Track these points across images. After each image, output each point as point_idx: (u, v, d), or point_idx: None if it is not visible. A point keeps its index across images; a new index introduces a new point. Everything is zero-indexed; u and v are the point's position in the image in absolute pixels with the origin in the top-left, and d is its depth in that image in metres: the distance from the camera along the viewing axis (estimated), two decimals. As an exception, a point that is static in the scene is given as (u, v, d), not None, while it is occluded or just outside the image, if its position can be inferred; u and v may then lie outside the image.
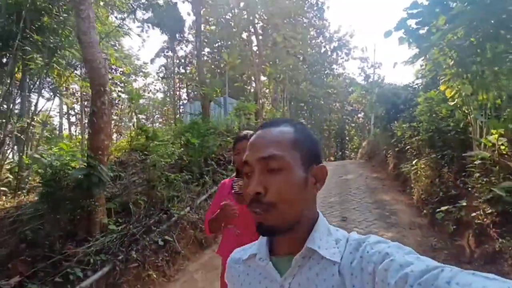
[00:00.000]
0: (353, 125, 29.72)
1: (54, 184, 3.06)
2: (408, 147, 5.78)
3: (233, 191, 1.53)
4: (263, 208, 0.50)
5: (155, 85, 17.41)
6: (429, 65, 5.01)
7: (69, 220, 3.18)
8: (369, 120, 18.56)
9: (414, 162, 5.14)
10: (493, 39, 3.76)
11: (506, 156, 3.15)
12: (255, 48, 9.15)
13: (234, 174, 1.71)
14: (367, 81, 27.51)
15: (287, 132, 0.54)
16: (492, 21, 3.75)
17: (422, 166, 4.82)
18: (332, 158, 23.95)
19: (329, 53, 24.99)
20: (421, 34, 4.21)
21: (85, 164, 3.30)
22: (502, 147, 3.11)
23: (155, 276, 3.14)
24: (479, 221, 2.99)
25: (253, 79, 12.54)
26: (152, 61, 14.71)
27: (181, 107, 14.70)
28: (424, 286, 0.36)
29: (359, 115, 28.63)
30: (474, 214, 3.07)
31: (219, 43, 12.84)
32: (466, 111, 3.88)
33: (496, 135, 3.03)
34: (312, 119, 23.18)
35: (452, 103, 3.98)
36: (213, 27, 11.72)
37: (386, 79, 24.08)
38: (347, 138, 29.89)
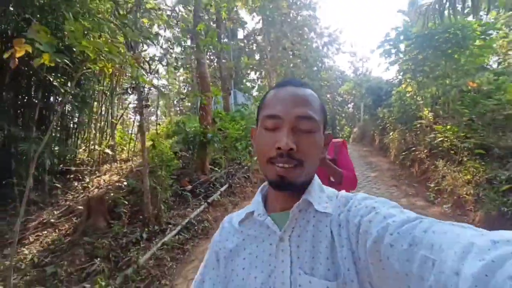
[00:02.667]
0: (343, 115, 32.88)
1: (192, 141, 5.73)
2: (388, 125, 8.74)
3: None
4: (292, 164, 0.54)
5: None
6: (400, 70, 7.98)
7: (199, 162, 5.89)
8: (358, 109, 21.67)
9: (391, 134, 8.11)
10: (433, 57, 6.70)
11: (434, 122, 6.09)
12: (268, 51, 11.83)
13: None
14: (356, 73, 30.84)
15: (315, 96, 0.59)
16: (431, 47, 6.68)
17: (396, 135, 7.77)
18: (325, 145, 26.97)
19: (321, 47, 27.88)
20: (392, 52, 7.15)
21: (203, 132, 5.98)
22: (431, 118, 6.06)
23: (246, 190, 5.91)
24: (419, 156, 5.93)
25: (262, 75, 15.21)
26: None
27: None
28: (402, 235, 0.40)
29: (349, 105, 31.86)
30: (418, 153, 6.01)
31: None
32: (417, 99, 6.83)
33: (427, 111, 5.96)
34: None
35: (409, 95, 6.92)
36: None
37: (373, 72, 27.38)
38: (337, 127, 33.05)
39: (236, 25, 11.93)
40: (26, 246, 3.69)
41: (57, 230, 4.20)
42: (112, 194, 4.72)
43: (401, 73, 7.76)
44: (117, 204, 4.41)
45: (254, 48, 10.98)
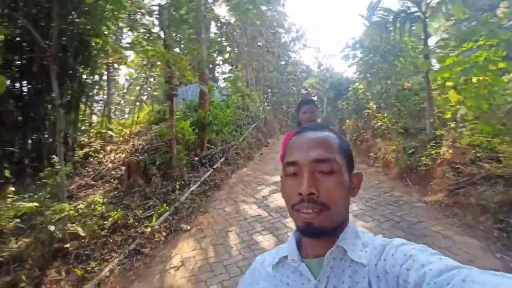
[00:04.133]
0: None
1: (195, 123, 7.29)
2: (345, 114, 11.03)
3: None
4: (316, 209, 0.53)
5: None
6: (357, 70, 10.23)
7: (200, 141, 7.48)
8: (321, 102, 24.35)
9: (347, 121, 10.37)
10: (379, 63, 8.97)
11: (377, 112, 8.36)
12: (245, 48, 13.44)
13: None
14: (319, 68, 33.63)
15: (333, 137, 0.59)
16: (379, 53, 8.93)
17: (351, 123, 10.02)
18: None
19: (288, 42, 30.07)
20: (350, 57, 9.32)
21: (203, 117, 7.55)
22: (375, 109, 8.34)
23: (238, 162, 7.65)
24: (366, 137, 8.16)
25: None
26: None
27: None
28: (440, 285, 0.39)
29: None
30: (365, 135, 8.25)
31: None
32: (367, 94, 9.11)
33: (372, 104, 8.22)
34: (276, 102, 28.15)
35: (361, 91, 9.16)
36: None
37: (335, 68, 30.30)
38: (302, 119, 35.71)
39: (209, 20, 13.21)
40: (81, 200, 5.05)
41: (101, 188, 5.57)
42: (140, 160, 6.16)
43: (357, 73, 10.01)
44: (147, 168, 5.88)
45: (226, 42, 12.38)
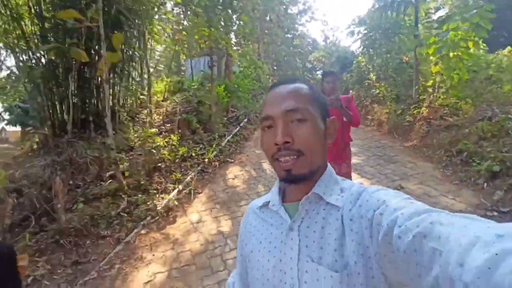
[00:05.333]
0: (312, 81, 36.66)
1: (224, 89, 8.88)
2: (349, 85, 12.53)
3: None
4: (292, 155, 0.59)
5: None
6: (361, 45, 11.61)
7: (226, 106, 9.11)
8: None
9: (350, 91, 11.92)
10: (382, 38, 10.34)
11: (376, 82, 9.89)
12: (257, 23, 14.60)
13: None
14: (326, 42, 34.30)
15: (303, 88, 0.64)
16: (380, 30, 10.28)
17: (354, 92, 11.56)
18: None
19: (295, 15, 30.59)
20: (355, 33, 10.67)
21: (228, 84, 9.10)
22: (374, 79, 9.85)
23: (258, 123, 9.34)
24: (366, 104, 9.76)
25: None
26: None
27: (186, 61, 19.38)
28: (410, 226, 0.42)
29: (318, 72, 35.72)
30: (365, 102, 9.84)
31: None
32: (368, 67, 10.59)
33: (372, 75, 9.73)
34: (282, 75, 29.27)
35: (363, 64, 10.63)
36: None
37: (342, 42, 31.04)
38: (307, 93, 36.74)
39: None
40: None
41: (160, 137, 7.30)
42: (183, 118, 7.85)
43: (360, 48, 11.40)
44: (190, 124, 7.57)
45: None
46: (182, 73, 18.70)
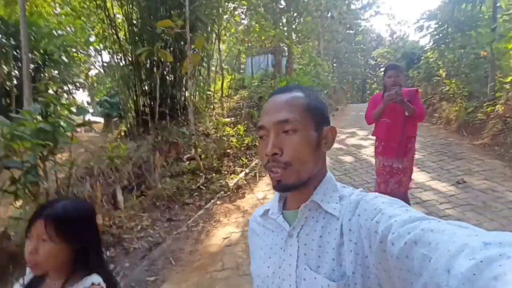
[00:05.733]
0: (375, 79, 34.96)
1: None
2: (415, 82, 11.98)
3: (385, 96, 2.67)
4: (280, 167, 0.60)
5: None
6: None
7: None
8: (391, 73, 24.23)
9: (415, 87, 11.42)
10: (458, 31, 9.74)
11: (445, 78, 9.37)
12: (318, 20, 14.78)
13: (383, 91, 2.88)
14: (392, 37, 32.38)
15: (298, 97, 0.64)
16: (453, 24, 9.67)
17: (420, 90, 11.05)
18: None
19: (358, 9, 29.50)
20: (424, 27, 10.24)
21: (289, 80, 9.60)
22: (444, 75, 9.34)
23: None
24: (433, 101, 9.33)
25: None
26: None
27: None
28: (402, 233, 0.43)
29: (382, 69, 33.85)
30: (432, 99, 9.41)
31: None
32: (438, 63, 10.06)
33: (442, 71, 9.24)
34: (342, 72, 28.64)
35: (432, 59, 10.12)
36: None
37: (410, 36, 29.00)
38: (368, 91, 35.30)
39: None
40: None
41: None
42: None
43: (430, 43, 10.85)
44: (252, 117, 8.28)
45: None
46: (242, 71, 19.84)
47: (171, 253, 3.24)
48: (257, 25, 9.53)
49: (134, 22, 7.42)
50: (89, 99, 21.34)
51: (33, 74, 17.86)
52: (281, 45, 9.81)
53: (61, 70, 18.42)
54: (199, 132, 6.65)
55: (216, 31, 9.43)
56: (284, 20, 9.28)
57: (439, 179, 4.35)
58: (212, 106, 10.51)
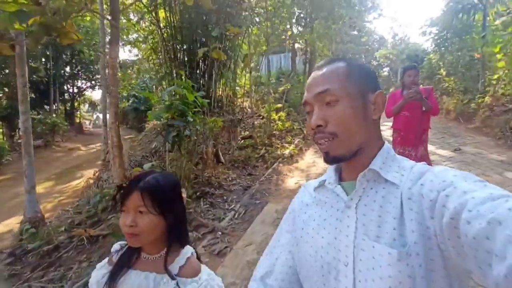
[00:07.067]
0: (379, 79, 36.54)
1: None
2: (419, 81, 13.77)
3: (405, 96, 3.04)
4: (326, 138, 0.61)
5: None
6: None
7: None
8: (394, 73, 26.12)
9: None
10: (456, 36, 11.51)
11: (445, 76, 11.12)
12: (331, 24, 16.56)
13: (401, 88, 3.30)
14: (394, 38, 34.21)
15: (339, 67, 0.64)
16: (452, 30, 11.44)
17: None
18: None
19: (363, 11, 31.29)
20: (427, 33, 12.01)
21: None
22: (444, 74, 11.10)
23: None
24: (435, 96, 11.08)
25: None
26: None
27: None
28: (483, 212, 0.39)
29: (385, 69, 35.63)
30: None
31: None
32: (439, 63, 11.82)
33: (442, 70, 11.00)
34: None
35: (434, 61, 11.89)
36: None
37: (411, 38, 30.85)
38: (371, 91, 36.79)
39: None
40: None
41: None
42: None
43: (432, 46, 12.64)
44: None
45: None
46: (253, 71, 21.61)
47: (263, 190, 4.91)
48: (281, 26, 11.22)
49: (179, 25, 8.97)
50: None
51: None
52: (301, 46, 11.42)
53: (87, 68, 20.00)
54: (249, 116, 8.33)
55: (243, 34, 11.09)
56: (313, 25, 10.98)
57: (442, 148, 6.07)
58: (241, 99, 12.19)
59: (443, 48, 11.71)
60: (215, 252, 3.26)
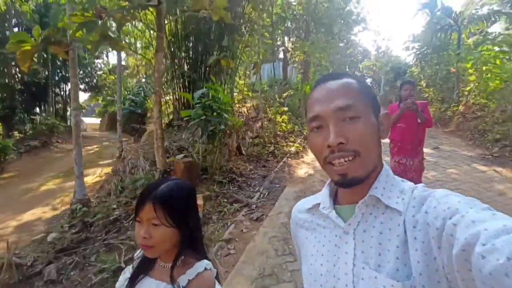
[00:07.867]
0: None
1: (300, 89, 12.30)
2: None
3: (402, 106, 3.26)
4: (347, 158, 0.56)
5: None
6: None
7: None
8: (377, 84, 28.02)
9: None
10: (435, 52, 13.07)
11: (426, 87, 12.61)
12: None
13: (398, 102, 3.48)
14: (377, 51, 36.43)
15: (352, 83, 0.62)
16: (431, 47, 13.00)
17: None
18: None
19: (351, 25, 33.29)
20: (410, 48, 13.57)
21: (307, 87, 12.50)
22: (424, 85, 12.60)
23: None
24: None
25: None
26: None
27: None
28: (499, 247, 0.37)
29: (368, 79, 37.75)
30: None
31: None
32: (420, 76, 13.36)
33: (423, 82, 12.50)
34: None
35: (416, 73, 13.41)
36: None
37: (393, 51, 33.06)
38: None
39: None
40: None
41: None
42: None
43: (413, 60, 14.20)
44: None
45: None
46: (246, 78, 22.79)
47: (279, 177, 5.90)
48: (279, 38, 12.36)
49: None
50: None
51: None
52: (294, 56, 12.58)
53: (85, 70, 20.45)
54: (255, 118, 9.34)
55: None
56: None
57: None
58: (238, 104, 13.19)
59: (423, 62, 13.25)
60: (254, 218, 4.20)
